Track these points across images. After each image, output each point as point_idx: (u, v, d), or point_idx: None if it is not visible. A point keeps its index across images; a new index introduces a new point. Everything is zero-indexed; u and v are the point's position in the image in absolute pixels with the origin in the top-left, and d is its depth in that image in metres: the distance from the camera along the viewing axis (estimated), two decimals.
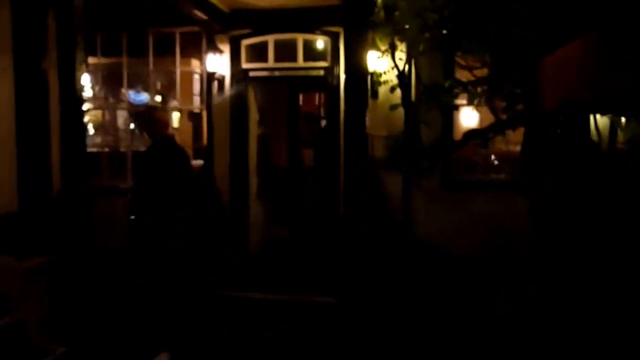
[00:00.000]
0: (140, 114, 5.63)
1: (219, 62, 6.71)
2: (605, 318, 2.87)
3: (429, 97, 5.04)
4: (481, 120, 6.54)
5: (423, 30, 4.53)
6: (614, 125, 4.59)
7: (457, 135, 6.16)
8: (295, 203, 7.02)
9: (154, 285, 4.29)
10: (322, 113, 8.36)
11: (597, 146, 4.12)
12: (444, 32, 4.57)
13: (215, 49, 6.57)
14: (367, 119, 5.79)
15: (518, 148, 6.86)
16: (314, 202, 6.46)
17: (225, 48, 6.82)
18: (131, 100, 7.46)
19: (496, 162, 6.96)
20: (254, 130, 7.17)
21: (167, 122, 4.80)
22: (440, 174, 6.44)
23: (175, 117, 8.54)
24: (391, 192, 6.03)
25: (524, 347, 3.53)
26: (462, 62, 5.08)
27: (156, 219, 4.29)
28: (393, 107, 5.36)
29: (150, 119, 4.57)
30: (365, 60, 4.75)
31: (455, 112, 6.12)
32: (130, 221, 4.43)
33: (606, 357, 2.81)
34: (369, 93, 5.94)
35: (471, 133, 5.36)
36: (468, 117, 6.56)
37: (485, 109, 5.16)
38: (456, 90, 5.06)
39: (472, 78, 4.92)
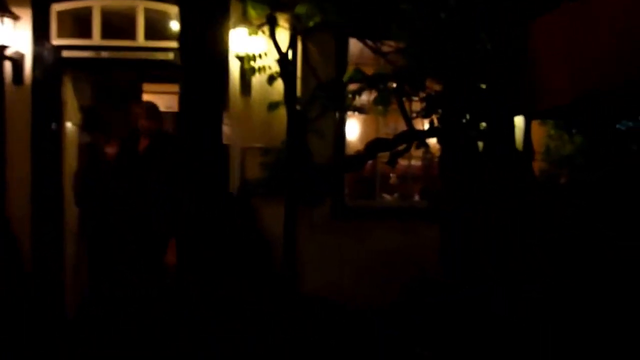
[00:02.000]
0: None
1: (13, 34, 4.58)
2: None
3: (324, 94, 3.56)
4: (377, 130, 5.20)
5: None
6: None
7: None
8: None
9: None
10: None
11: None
12: None
13: (4, 10, 4.43)
14: (233, 124, 4.13)
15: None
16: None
17: (25, 14, 4.68)
18: None
19: (398, 182, 5.72)
20: (72, 138, 5.09)
21: None
22: (331, 200, 5.08)
23: None
24: (274, 231, 4.40)
25: None
26: (372, 45, 3.69)
27: None
28: (272, 107, 3.77)
29: None
30: (225, 37, 3.11)
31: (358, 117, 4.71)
32: None
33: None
34: (240, 87, 4.29)
35: (376, 144, 3.96)
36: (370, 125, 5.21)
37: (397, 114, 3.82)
38: (361, 86, 3.65)
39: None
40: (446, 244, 4.18)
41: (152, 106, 4.51)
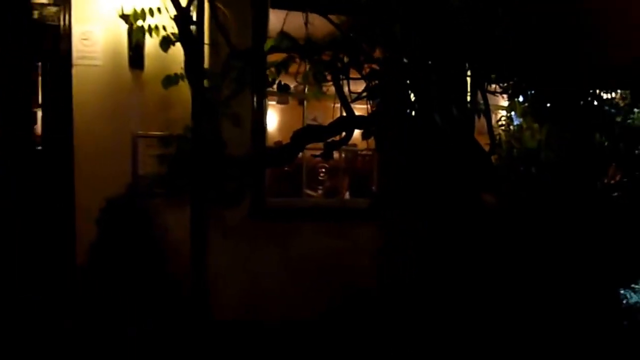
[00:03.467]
0: None
1: None
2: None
3: (240, 65, 2.70)
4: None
5: None
6: None
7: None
8: None
9: None
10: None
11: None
12: None
13: None
14: (121, 106, 3.16)
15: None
16: None
17: None
18: None
19: (328, 178, 4.99)
20: None
21: None
22: (250, 199, 4.36)
23: None
24: (179, 240, 3.48)
25: None
26: None
27: None
28: (168, 82, 2.84)
29: None
30: None
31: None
32: None
33: None
34: (128, 57, 3.31)
35: (307, 133, 3.19)
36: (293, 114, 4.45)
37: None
38: (288, 57, 2.85)
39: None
40: (385, 249, 3.80)
41: None
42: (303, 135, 3.30)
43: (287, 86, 3.04)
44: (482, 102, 3.29)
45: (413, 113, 3.10)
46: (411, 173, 3.25)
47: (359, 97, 3.14)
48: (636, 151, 3.61)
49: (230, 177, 3.25)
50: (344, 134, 3.25)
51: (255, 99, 4.34)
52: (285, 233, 4.47)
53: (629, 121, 3.64)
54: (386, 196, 3.85)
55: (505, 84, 3.10)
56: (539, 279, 3.32)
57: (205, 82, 2.98)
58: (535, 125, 3.27)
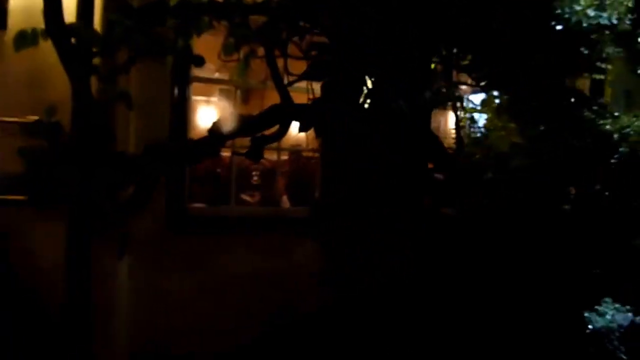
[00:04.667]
0: None
1: None
2: None
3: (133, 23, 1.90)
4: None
5: None
6: None
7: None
8: None
9: None
10: None
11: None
12: None
13: None
14: None
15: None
16: None
17: None
18: None
19: (263, 182, 4.25)
20: None
21: None
22: (167, 206, 3.68)
23: None
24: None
25: None
26: None
27: None
28: (22, 41, 1.95)
29: None
30: None
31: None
32: None
33: None
34: None
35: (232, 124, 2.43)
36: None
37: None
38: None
39: None
40: (328, 265, 3.52)
41: None
42: (223, 126, 2.53)
43: (200, 59, 2.25)
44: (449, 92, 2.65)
45: (368, 101, 2.41)
46: (361, 175, 2.58)
47: (300, 78, 2.41)
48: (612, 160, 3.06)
49: (127, 179, 2.44)
50: (277, 127, 2.52)
51: (175, 84, 3.54)
52: (212, 247, 3.79)
53: (607, 126, 3.08)
54: (330, 203, 3.16)
55: (481, 74, 2.49)
56: (495, 301, 3.08)
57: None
58: (512, 125, 2.68)
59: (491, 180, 2.97)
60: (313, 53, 2.33)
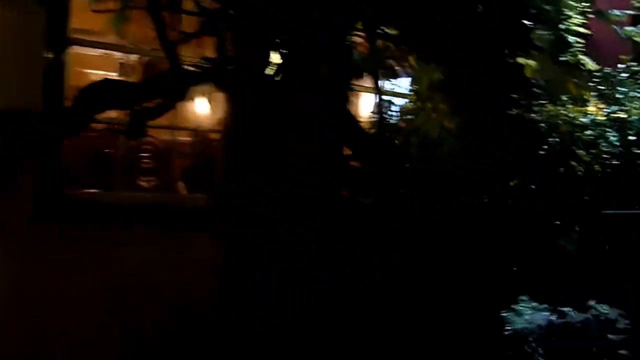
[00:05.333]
0: None
1: None
2: None
3: None
4: None
5: None
6: None
7: None
8: None
9: None
10: None
11: None
12: None
13: None
14: None
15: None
16: None
17: None
18: None
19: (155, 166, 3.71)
20: None
21: None
22: (34, 190, 3.11)
23: None
24: None
25: None
26: None
27: None
28: None
29: None
30: None
31: None
32: None
33: None
34: None
35: (101, 92, 1.89)
36: None
37: None
38: None
39: None
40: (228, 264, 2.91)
41: None
42: (95, 94, 2.00)
43: None
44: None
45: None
46: (270, 160, 2.19)
47: (193, 35, 1.94)
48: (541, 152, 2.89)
49: None
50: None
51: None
52: (93, 241, 3.17)
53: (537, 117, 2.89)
54: (233, 192, 2.72)
55: (412, 45, 2.16)
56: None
57: None
58: (442, 106, 2.39)
59: (414, 169, 2.70)
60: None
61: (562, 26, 2.99)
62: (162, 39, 2.00)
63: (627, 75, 3.54)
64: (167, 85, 2.02)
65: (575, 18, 2.97)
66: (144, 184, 3.95)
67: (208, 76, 1.99)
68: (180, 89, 2.01)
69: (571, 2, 2.56)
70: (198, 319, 3.10)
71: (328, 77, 2.19)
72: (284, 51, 2.12)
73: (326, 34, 2.21)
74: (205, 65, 1.90)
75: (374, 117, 2.83)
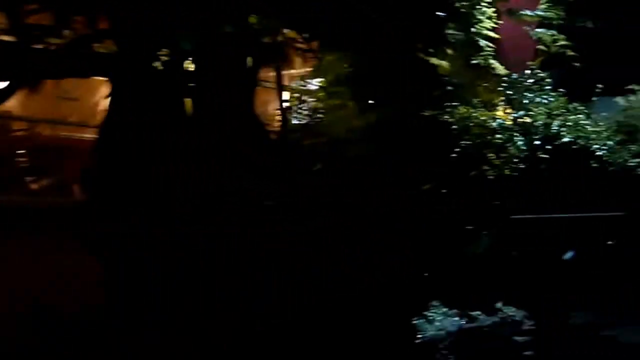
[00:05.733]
0: None
1: None
2: None
3: None
4: None
5: None
6: None
7: None
8: None
9: None
10: None
11: None
12: None
13: None
14: None
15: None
16: None
17: None
18: None
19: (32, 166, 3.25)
20: None
21: None
22: None
23: None
24: None
25: None
26: None
27: None
28: None
29: None
30: None
31: None
32: None
33: None
34: None
35: None
36: None
37: None
38: None
39: None
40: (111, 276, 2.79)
41: None
42: None
43: None
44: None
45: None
46: (156, 159, 1.90)
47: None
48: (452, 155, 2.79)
49: None
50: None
51: None
52: None
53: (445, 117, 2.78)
54: (106, 194, 2.37)
55: (314, 33, 1.96)
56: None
57: None
58: (351, 104, 2.22)
59: (321, 172, 2.51)
60: None
61: (473, 29, 2.96)
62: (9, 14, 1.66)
63: (532, 81, 3.59)
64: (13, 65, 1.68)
65: (487, 22, 2.93)
66: (32, 186, 3.44)
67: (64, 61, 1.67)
68: (28, 71, 1.67)
69: (483, 2, 2.51)
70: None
71: (231, 70, 1.95)
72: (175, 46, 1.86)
73: (230, 24, 1.99)
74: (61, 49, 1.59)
75: (280, 115, 2.62)
